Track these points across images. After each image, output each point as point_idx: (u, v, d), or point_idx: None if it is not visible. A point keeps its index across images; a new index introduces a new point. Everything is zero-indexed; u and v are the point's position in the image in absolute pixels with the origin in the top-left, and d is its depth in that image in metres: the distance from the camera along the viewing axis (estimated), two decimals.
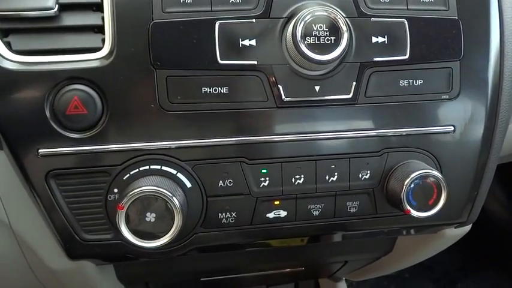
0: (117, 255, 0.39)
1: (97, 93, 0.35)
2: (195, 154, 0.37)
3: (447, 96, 0.39)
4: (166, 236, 0.35)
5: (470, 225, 0.46)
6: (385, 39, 0.37)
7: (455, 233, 0.45)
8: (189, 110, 0.36)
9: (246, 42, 0.36)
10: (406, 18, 0.37)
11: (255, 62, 0.36)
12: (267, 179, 0.38)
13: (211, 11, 0.35)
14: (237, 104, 0.37)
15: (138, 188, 0.34)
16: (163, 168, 0.37)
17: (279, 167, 0.38)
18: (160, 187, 0.34)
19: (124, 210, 0.34)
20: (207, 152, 0.37)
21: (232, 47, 0.35)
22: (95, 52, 0.35)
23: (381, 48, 0.37)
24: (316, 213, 0.40)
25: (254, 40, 0.36)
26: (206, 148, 0.37)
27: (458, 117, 0.39)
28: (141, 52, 0.35)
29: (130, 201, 0.34)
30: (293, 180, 0.39)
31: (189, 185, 0.37)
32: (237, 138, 0.37)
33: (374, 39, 0.37)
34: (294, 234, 0.42)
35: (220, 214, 0.38)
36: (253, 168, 0.38)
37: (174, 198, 0.34)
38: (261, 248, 0.45)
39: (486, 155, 0.41)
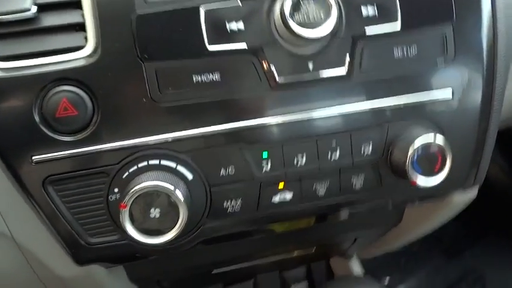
0: (126, 255, 0.39)
1: (86, 92, 0.34)
2: (193, 145, 0.36)
3: (443, 62, 0.38)
4: (173, 230, 0.34)
5: (476, 191, 0.45)
6: (375, 10, 0.36)
7: (462, 199, 0.45)
8: (181, 100, 0.35)
9: (234, 26, 0.35)
10: None
11: (245, 45, 0.35)
12: (269, 162, 0.38)
13: None
14: (231, 90, 0.36)
15: (138, 185, 0.33)
16: (162, 162, 0.36)
17: (279, 149, 0.38)
18: (161, 181, 0.33)
19: (127, 209, 0.33)
20: (205, 142, 0.36)
21: (220, 32, 0.34)
22: (79, 51, 0.34)
23: (372, 20, 0.36)
24: (321, 192, 0.40)
25: (241, 23, 0.35)
26: (204, 137, 0.36)
27: (456, 82, 0.39)
28: (127, 46, 0.34)
29: (132, 199, 0.33)
30: (295, 161, 0.38)
31: (190, 177, 0.36)
32: (234, 125, 0.36)
33: (364, 11, 0.36)
34: (301, 216, 0.41)
35: (225, 203, 0.38)
36: (253, 153, 0.37)
37: (176, 191, 0.34)
38: (270, 233, 0.45)
39: (487, 117, 0.41)
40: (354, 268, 0.60)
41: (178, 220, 0.34)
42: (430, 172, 0.37)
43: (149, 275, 0.48)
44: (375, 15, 0.36)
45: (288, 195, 0.39)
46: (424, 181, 0.37)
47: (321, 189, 0.39)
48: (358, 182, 0.40)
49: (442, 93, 0.39)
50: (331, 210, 0.42)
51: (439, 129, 0.39)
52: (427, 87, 0.38)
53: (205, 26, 0.34)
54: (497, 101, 0.41)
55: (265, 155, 0.38)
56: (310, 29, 0.33)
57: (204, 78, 0.35)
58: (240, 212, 0.38)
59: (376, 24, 0.36)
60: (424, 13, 0.37)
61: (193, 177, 0.36)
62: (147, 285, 0.51)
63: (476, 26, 0.39)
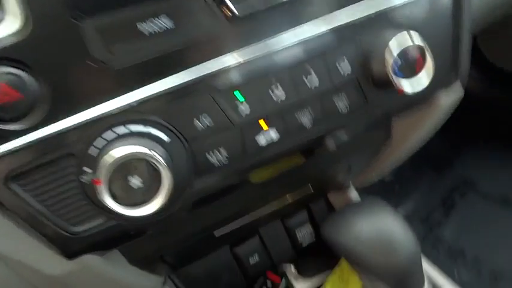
0: (117, 237, 0.36)
1: (25, 71, 0.30)
2: (160, 103, 0.32)
3: None
4: (160, 196, 0.32)
5: (462, 90, 0.44)
6: None
7: (449, 100, 0.43)
8: (134, 57, 0.31)
9: None
10: None
11: None
12: (245, 104, 0.35)
13: None
14: (185, 33, 0.32)
15: (110, 157, 0.30)
16: (131, 128, 0.32)
17: (253, 87, 0.35)
18: (135, 146, 0.30)
19: (104, 185, 0.30)
20: (172, 97, 0.33)
21: None
22: (4, 26, 0.29)
23: None
24: (308, 123, 0.37)
25: None
26: (170, 93, 0.32)
27: None
28: (58, 9, 0.29)
29: (108, 172, 0.30)
30: (273, 96, 0.35)
31: (166, 138, 0.33)
32: (199, 71, 0.33)
33: None
34: (293, 153, 0.39)
35: (210, 156, 0.35)
36: (226, 97, 0.34)
37: (154, 152, 0.30)
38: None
39: (460, 14, 0.38)
40: (352, 198, 0.59)
41: (163, 184, 0.31)
42: (412, 73, 0.35)
43: (149, 253, 0.45)
44: None
45: (274, 134, 0.37)
46: (409, 85, 0.35)
47: (307, 120, 0.37)
48: (342, 104, 0.38)
49: None
50: (322, 140, 0.40)
51: (412, 28, 0.37)
52: None
53: None
54: None
55: (239, 96, 0.34)
56: None
57: (152, 26, 0.31)
58: (227, 163, 0.36)
59: None
60: None
61: (169, 137, 0.33)
62: (151, 265, 0.48)
63: None
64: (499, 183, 1.23)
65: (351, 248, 0.41)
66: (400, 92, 0.35)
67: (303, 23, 0.34)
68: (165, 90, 0.32)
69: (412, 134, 0.47)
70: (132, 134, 0.32)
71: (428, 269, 0.57)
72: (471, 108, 1.20)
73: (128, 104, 0.32)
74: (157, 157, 0.30)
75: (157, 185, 0.32)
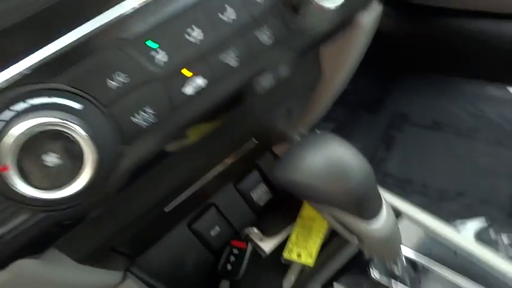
0: (48, 232, 0.31)
1: None
2: (59, 66, 0.28)
3: None
4: (86, 170, 0.28)
5: (380, 6, 0.44)
6: None
7: (370, 19, 0.43)
8: (14, 14, 0.26)
9: None
10: None
11: None
12: (160, 49, 0.31)
13: None
14: None
15: (11, 135, 0.25)
16: (31, 102, 0.27)
17: (166, 31, 0.31)
18: (37, 118, 0.26)
19: (12, 170, 0.25)
20: (72, 56, 0.28)
21: None
22: None
23: None
24: (234, 63, 0.34)
25: None
26: (69, 52, 0.28)
27: None
28: None
29: (14, 154, 0.25)
30: (190, 38, 0.32)
31: (77, 106, 0.29)
32: (96, 22, 0.29)
33: None
34: (226, 99, 0.36)
35: (134, 118, 0.31)
36: (137, 45, 0.30)
37: (67, 122, 0.26)
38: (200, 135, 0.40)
39: None
40: None
41: (85, 157, 0.27)
42: None
43: (96, 246, 0.40)
44: None
45: (201, 81, 0.33)
46: (329, 2, 0.34)
47: (232, 59, 0.34)
48: (265, 36, 0.35)
49: None
50: (253, 79, 0.38)
51: None
52: None
53: None
54: None
55: (152, 44, 0.31)
56: None
57: None
58: (156, 121, 0.32)
59: None
60: None
61: (82, 104, 0.29)
62: (104, 260, 0.44)
63: None
64: (427, 111, 1.31)
65: (306, 183, 0.40)
66: (320, 9, 0.34)
67: None
68: (63, 49, 0.28)
69: (342, 61, 0.46)
70: (35, 108, 0.27)
71: (384, 194, 0.58)
72: (391, 46, 1.26)
73: (19, 73, 0.27)
74: (70, 125, 0.26)
75: (79, 159, 0.27)
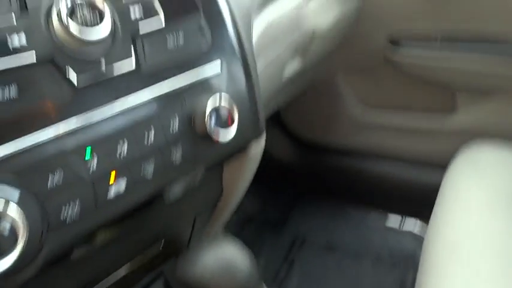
0: None
1: None
2: (9, 162, 0.35)
3: (206, 45, 0.49)
4: (13, 252, 0.33)
5: (264, 139, 0.58)
6: (141, 12, 0.44)
7: (256, 150, 0.57)
8: None
9: (16, 40, 0.36)
10: None
11: (34, 58, 0.37)
12: (94, 161, 0.40)
13: None
14: (32, 103, 0.37)
15: None
16: None
17: (103, 144, 0.41)
18: None
19: None
20: (22, 157, 0.36)
21: (3, 49, 0.35)
22: None
23: (141, 20, 0.44)
24: (150, 174, 0.44)
25: (23, 36, 0.36)
26: (20, 153, 0.36)
27: (220, 55, 0.50)
28: None
29: None
30: (119, 153, 0.42)
31: (16, 194, 0.35)
32: (45, 135, 0.37)
33: (132, 14, 0.44)
34: (138, 203, 0.45)
35: (62, 212, 0.38)
36: (75, 156, 0.39)
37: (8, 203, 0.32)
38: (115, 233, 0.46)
39: (249, 76, 0.54)
40: None
41: (18, 235, 0.33)
42: (224, 125, 0.47)
43: None
44: (144, 20, 0.44)
45: (121, 187, 0.42)
46: (222, 135, 0.47)
47: (149, 170, 0.44)
48: (177, 156, 0.46)
49: (214, 67, 0.50)
50: (164, 187, 0.47)
51: (219, 93, 0.49)
52: (203, 64, 0.48)
53: None
54: (251, 63, 0.54)
55: (88, 155, 0.40)
56: (92, 33, 0.38)
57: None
58: (79, 220, 0.39)
59: (147, 27, 0.44)
60: (180, 13, 0.47)
61: (21, 193, 0.35)
62: None
63: (218, 13, 0.51)
64: (323, 233, 1.47)
65: (201, 280, 0.47)
66: (216, 142, 0.47)
67: (142, 88, 0.43)
68: (15, 151, 0.35)
69: (237, 182, 0.58)
70: None
71: None
72: (291, 172, 1.46)
73: None
74: (12, 205, 0.33)
75: (10, 241, 0.33)
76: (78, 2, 0.38)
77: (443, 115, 1.21)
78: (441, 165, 1.16)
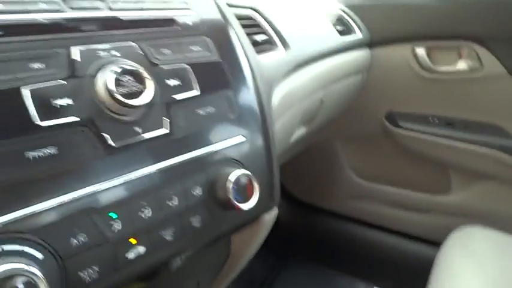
0: None
1: None
2: (36, 221, 0.35)
3: (233, 116, 0.51)
4: None
5: (277, 209, 0.59)
6: (178, 81, 0.46)
7: (270, 218, 0.58)
8: (16, 178, 0.34)
9: (62, 102, 0.38)
10: (187, 63, 0.48)
11: (77, 118, 0.38)
12: (119, 222, 0.40)
13: (16, 78, 0.36)
14: (69, 161, 0.37)
15: None
16: (5, 247, 0.33)
17: (126, 207, 0.41)
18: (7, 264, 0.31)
19: None
20: (51, 215, 0.36)
21: (49, 109, 0.37)
22: None
23: (178, 88, 0.46)
24: (169, 238, 0.44)
25: (69, 99, 0.38)
26: (48, 212, 0.36)
27: (245, 129, 0.52)
28: None
29: None
30: (142, 215, 0.42)
31: (40, 256, 0.35)
32: (77, 193, 0.38)
33: (170, 82, 0.46)
34: (156, 265, 0.44)
35: (82, 273, 0.37)
36: (102, 216, 0.39)
37: (31, 268, 0.32)
38: None
39: (269, 149, 0.56)
40: None
41: None
42: (245, 195, 0.48)
43: None
44: (180, 86, 0.46)
45: (142, 249, 0.42)
46: (244, 205, 0.48)
47: (168, 235, 0.44)
48: (196, 221, 0.47)
49: (239, 138, 0.51)
50: (180, 252, 0.47)
51: (242, 163, 0.51)
52: (230, 134, 0.50)
53: (34, 104, 0.36)
54: (271, 132, 0.57)
55: (114, 215, 0.40)
56: (134, 99, 0.40)
57: (39, 153, 0.36)
58: (98, 278, 0.38)
59: (183, 93, 0.46)
60: (214, 82, 0.50)
61: (44, 255, 0.35)
62: None
63: (247, 90, 0.54)
64: None
65: None
66: (238, 210, 0.47)
67: (172, 154, 0.44)
68: (43, 210, 0.35)
69: (247, 247, 0.58)
70: (6, 253, 0.33)
71: None
72: (281, 233, 1.45)
73: (1, 223, 0.33)
74: (34, 271, 0.32)
75: None
76: (126, 69, 0.40)
77: (438, 195, 1.24)
78: (433, 243, 1.18)
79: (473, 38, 1.06)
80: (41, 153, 0.36)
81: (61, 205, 0.37)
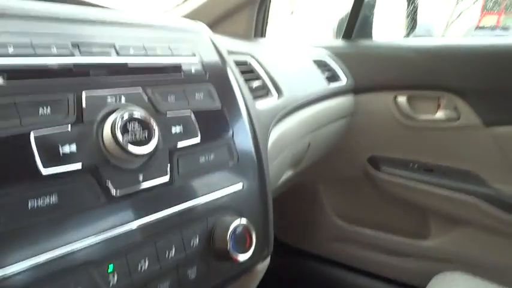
0: None
1: None
2: (34, 275, 0.33)
3: (232, 163, 0.51)
4: None
5: (269, 260, 0.58)
6: (182, 128, 0.46)
7: (263, 267, 0.57)
8: (17, 229, 0.33)
9: (67, 149, 0.37)
10: (191, 110, 0.48)
11: (80, 166, 0.37)
12: (115, 274, 0.38)
13: (21, 124, 0.35)
14: (70, 210, 0.36)
15: None
16: None
17: (124, 259, 0.39)
18: None
19: None
20: (48, 269, 0.34)
21: (53, 156, 0.36)
22: None
23: (181, 136, 0.46)
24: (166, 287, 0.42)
25: (74, 145, 0.37)
26: (45, 264, 0.34)
27: (244, 176, 0.52)
28: None
29: None
30: (139, 267, 0.40)
31: None
32: (75, 245, 0.36)
33: (173, 130, 0.46)
34: None
35: None
36: (99, 269, 0.37)
37: None
38: None
39: (265, 197, 0.55)
40: None
41: None
42: (244, 248, 0.47)
43: None
44: (182, 133, 0.46)
45: None
46: (241, 256, 0.47)
47: (165, 285, 0.42)
48: (192, 273, 0.45)
49: (237, 186, 0.51)
50: None
51: (239, 212, 0.50)
52: (228, 182, 0.50)
53: (38, 150, 0.35)
54: (267, 179, 0.57)
55: (111, 268, 0.38)
56: (140, 147, 0.40)
57: (40, 202, 0.34)
58: None
59: (185, 140, 0.46)
60: (215, 130, 0.50)
61: None
62: None
63: (246, 137, 0.55)
64: None
65: None
66: (236, 261, 0.46)
67: (167, 203, 0.43)
68: (40, 262, 0.34)
69: None
70: None
71: None
72: (264, 278, 1.42)
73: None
74: None
75: None
76: (133, 117, 0.40)
77: (418, 239, 1.26)
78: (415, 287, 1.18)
79: (451, 89, 1.12)
80: (41, 203, 0.34)
81: (58, 258, 0.35)
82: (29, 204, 0.34)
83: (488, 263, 1.16)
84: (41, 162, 0.35)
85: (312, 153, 1.05)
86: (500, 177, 1.11)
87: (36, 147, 0.35)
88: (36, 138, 0.35)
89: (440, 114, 1.16)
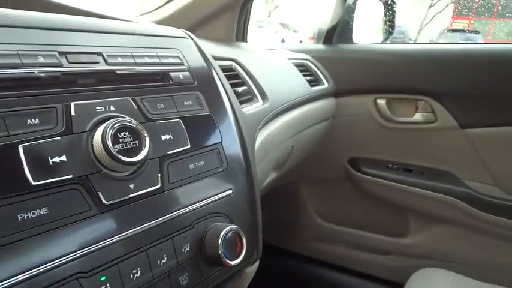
0: None
1: None
2: (26, 287, 0.33)
3: (221, 169, 0.52)
4: None
5: (258, 263, 0.59)
6: (171, 136, 0.46)
7: (252, 270, 0.58)
8: (6, 244, 0.32)
9: (57, 159, 0.36)
10: (180, 118, 0.48)
11: (71, 176, 0.37)
12: (108, 284, 0.38)
13: (9, 135, 0.34)
14: (60, 222, 0.36)
15: None
16: None
17: (116, 269, 0.39)
18: None
19: None
20: (39, 281, 0.33)
21: (43, 167, 0.35)
22: None
23: (170, 143, 0.46)
24: None
25: (64, 156, 0.37)
26: (38, 277, 0.33)
27: (233, 181, 0.53)
28: None
29: None
30: (131, 276, 0.40)
31: None
32: (66, 257, 0.36)
33: (163, 137, 0.46)
34: None
35: None
36: (91, 279, 0.37)
37: None
38: None
39: (254, 201, 0.56)
40: None
41: None
42: (235, 253, 0.48)
43: None
44: (172, 140, 0.46)
45: None
46: (232, 261, 0.47)
47: None
48: (184, 279, 0.46)
49: (227, 192, 0.52)
50: None
51: (229, 217, 0.51)
52: (218, 188, 0.50)
53: (27, 162, 0.34)
54: (256, 186, 0.57)
55: (103, 278, 0.38)
56: (131, 156, 0.40)
57: (30, 214, 0.34)
58: None
59: (175, 148, 0.46)
60: (204, 136, 0.50)
61: None
62: None
63: (234, 142, 0.55)
64: None
65: None
66: (227, 265, 0.47)
67: (158, 210, 0.43)
68: (30, 275, 0.33)
69: None
70: None
71: None
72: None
73: None
74: None
75: None
76: (123, 126, 0.40)
77: (397, 238, 1.29)
78: (395, 284, 1.21)
79: (428, 93, 1.15)
80: (31, 215, 0.34)
81: (49, 270, 0.34)
82: (19, 217, 0.33)
83: (464, 259, 1.20)
84: (31, 174, 0.34)
85: (294, 155, 1.07)
86: (475, 177, 1.16)
87: (25, 158, 0.34)
88: (25, 149, 0.35)
89: (418, 117, 1.19)
